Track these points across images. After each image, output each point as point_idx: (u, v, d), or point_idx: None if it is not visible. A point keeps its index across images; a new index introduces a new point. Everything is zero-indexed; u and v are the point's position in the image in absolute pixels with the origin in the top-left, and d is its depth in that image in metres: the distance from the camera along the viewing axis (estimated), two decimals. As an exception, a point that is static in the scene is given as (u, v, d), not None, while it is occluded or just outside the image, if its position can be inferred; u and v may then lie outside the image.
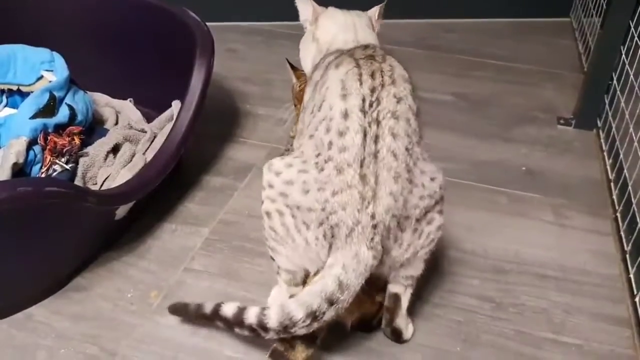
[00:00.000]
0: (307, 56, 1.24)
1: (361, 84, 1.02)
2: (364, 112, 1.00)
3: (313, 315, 0.97)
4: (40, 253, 1.20)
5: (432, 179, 1.06)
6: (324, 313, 0.97)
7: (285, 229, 1.05)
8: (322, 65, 1.12)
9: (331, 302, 0.97)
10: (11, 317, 1.21)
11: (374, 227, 0.99)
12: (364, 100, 1.01)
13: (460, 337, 1.20)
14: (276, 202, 1.05)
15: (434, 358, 1.16)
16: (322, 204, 1.00)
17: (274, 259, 1.14)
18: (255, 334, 1.01)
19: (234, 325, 1.04)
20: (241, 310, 1.03)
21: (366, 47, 1.13)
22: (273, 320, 0.98)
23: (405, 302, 1.14)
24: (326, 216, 1.00)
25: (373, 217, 0.99)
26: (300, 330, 0.99)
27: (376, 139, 1.00)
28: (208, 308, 1.08)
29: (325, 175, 1.00)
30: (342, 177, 0.99)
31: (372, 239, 0.99)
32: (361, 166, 0.99)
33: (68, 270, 1.29)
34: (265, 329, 0.99)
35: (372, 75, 1.03)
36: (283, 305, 0.99)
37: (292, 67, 1.44)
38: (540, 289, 1.31)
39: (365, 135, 0.99)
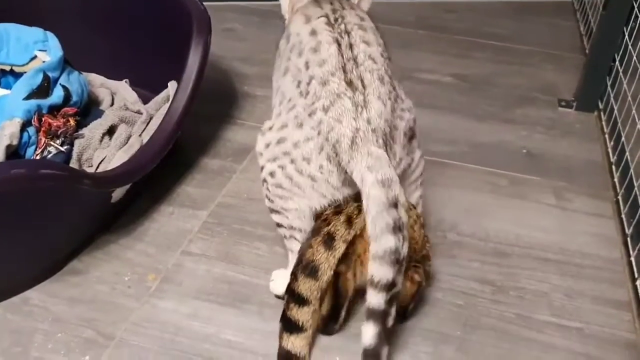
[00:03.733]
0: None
1: (321, 8, 1.05)
2: (331, 25, 1.03)
3: (397, 228, 0.95)
4: (36, 236, 1.19)
5: (409, 110, 1.09)
6: (400, 218, 0.95)
7: (289, 179, 1.05)
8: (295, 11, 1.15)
9: (394, 204, 0.95)
10: (7, 301, 1.20)
11: (374, 131, 0.99)
12: (327, 17, 1.04)
13: (460, 321, 1.19)
14: (275, 160, 1.06)
15: (434, 342, 1.15)
16: (317, 127, 1.00)
17: (282, 226, 1.13)
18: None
19: None
20: None
21: None
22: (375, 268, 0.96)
23: None
24: (325, 137, 1.00)
25: (369, 122, 0.99)
26: (405, 248, 0.96)
27: (351, 46, 1.01)
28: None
29: (312, 95, 1.00)
30: (328, 87, 0.99)
31: (377, 140, 0.99)
32: (344, 72, 0.99)
33: (64, 253, 1.28)
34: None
35: (331, 3, 1.07)
36: (377, 252, 0.95)
37: None
38: (540, 272, 1.30)
39: (339, 45, 1.01)
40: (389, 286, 0.97)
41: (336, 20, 1.03)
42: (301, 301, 1.05)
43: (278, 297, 1.20)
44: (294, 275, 1.06)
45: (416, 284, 1.12)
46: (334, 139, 0.99)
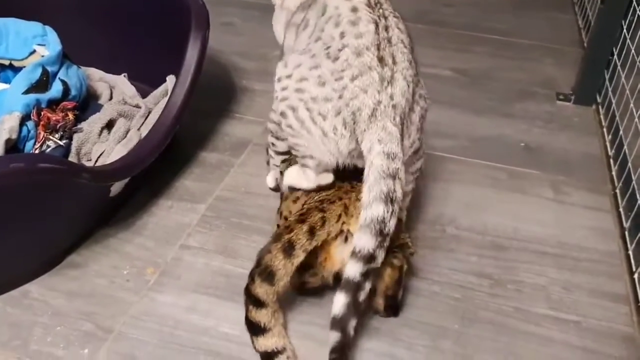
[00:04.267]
0: (278, 24, 1.29)
1: None
2: (371, 7, 1.07)
3: (390, 199, 0.99)
4: (35, 230, 1.19)
5: (425, 98, 1.13)
6: (395, 192, 1.00)
7: (301, 122, 1.07)
8: (300, 10, 1.16)
9: (393, 176, 1.00)
10: (7, 294, 1.21)
11: (394, 107, 1.04)
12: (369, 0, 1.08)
13: (458, 314, 1.20)
14: (289, 99, 1.08)
15: (432, 335, 1.16)
16: (340, 92, 1.03)
17: (276, 151, 1.22)
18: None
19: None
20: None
21: None
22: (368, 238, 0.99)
23: None
24: (345, 103, 1.03)
25: (392, 97, 1.04)
26: (392, 223, 1.00)
27: (386, 28, 1.06)
28: None
29: (342, 61, 1.04)
30: (361, 59, 1.03)
31: (394, 117, 1.04)
32: (378, 49, 1.04)
33: (63, 247, 1.28)
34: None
35: None
36: (364, 221, 0.99)
37: None
38: (538, 265, 1.30)
39: (377, 25, 1.05)
40: (369, 258, 1.00)
41: (376, 4, 1.08)
42: (258, 304, 1.05)
43: (270, 189, 1.28)
44: (251, 277, 1.06)
45: (397, 269, 1.12)
46: (356, 106, 1.03)
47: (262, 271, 1.04)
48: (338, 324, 1.02)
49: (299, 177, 1.17)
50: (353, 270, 1.00)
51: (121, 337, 1.14)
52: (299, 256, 1.05)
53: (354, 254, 1.00)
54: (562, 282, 1.27)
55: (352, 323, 1.03)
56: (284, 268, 1.04)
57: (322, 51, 1.06)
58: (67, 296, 1.21)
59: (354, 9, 1.06)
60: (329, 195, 1.12)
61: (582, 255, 1.33)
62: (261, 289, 1.04)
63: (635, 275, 1.25)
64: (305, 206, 1.11)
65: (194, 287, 1.24)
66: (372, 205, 1.00)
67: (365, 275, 1.01)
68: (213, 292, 1.23)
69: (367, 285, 1.02)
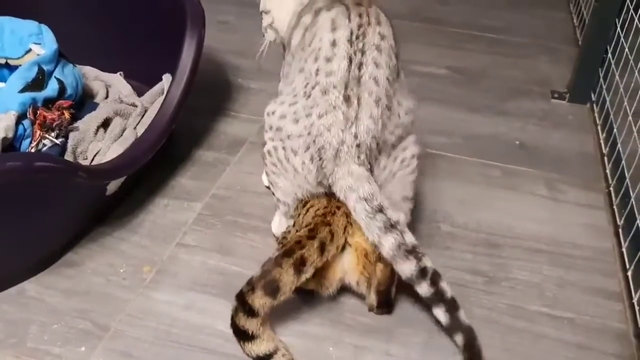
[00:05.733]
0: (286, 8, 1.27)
1: (350, 20, 1.10)
2: (350, 42, 1.09)
3: (390, 225, 1.05)
4: (31, 228, 1.19)
5: (407, 113, 1.15)
6: (389, 218, 1.05)
7: (280, 161, 1.15)
8: (310, 10, 1.17)
9: (379, 209, 1.06)
10: (3, 292, 1.21)
11: (358, 146, 1.08)
12: (351, 32, 1.09)
13: (453, 311, 1.20)
14: (274, 140, 1.14)
15: (426, 332, 1.16)
16: (309, 128, 1.08)
17: (274, 194, 1.24)
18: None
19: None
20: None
21: None
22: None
23: None
24: (312, 139, 1.09)
25: (356, 137, 1.08)
26: (408, 238, 1.07)
27: (360, 65, 1.08)
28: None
29: (312, 99, 1.08)
30: (327, 97, 1.08)
31: (358, 157, 1.08)
32: (345, 88, 1.07)
33: (59, 245, 1.29)
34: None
35: (360, 16, 1.11)
36: (389, 255, 1.05)
37: None
38: (533, 263, 1.31)
39: (350, 62, 1.08)
40: (422, 273, 1.05)
41: (357, 37, 1.09)
42: (251, 313, 1.04)
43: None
44: (251, 287, 1.04)
45: (388, 265, 1.12)
46: (320, 143, 1.09)
47: (267, 284, 1.03)
48: (452, 329, 1.08)
49: (278, 223, 1.27)
50: (423, 290, 1.07)
51: (118, 335, 1.15)
52: (309, 273, 1.05)
53: (410, 281, 1.06)
54: (556, 279, 1.28)
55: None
56: (291, 284, 1.04)
57: (301, 87, 1.11)
58: (63, 294, 1.21)
59: (334, 44, 1.09)
60: (327, 208, 1.13)
61: (576, 252, 1.34)
62: (260, 301, 1.03)
63: (629, 273, 1.26)
64: (311, 221, 1.11)
65: (190, 285, 1.24)
66: (382, 241, 1.05)
67: (432, 282, 1.06)
68: (209, 290, 1.23)
69: (443, 282, 1.07)
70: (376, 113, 1.09)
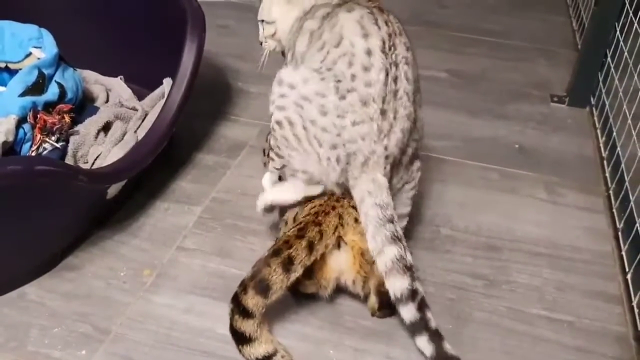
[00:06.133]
0: (288, 21, 1.24)
1: (379, 28, 1.09)
2: (385, 53, 1.08)
3: (396, 238, 1.06)
4: (32, 232, 1.19)
5: (422, 127, 1.18)
6: (397, 231, 1.06)
7: (297, 138, 1.11)
8: (315, 15, 1.16)
9: (390, 220, 1.07)
10: (4, 296, 1.21)
11: (386, 157, 1.09)
12: (383, 42, 1.08)
13: (453, 315, 1.20)
14: (287, 110, 1.10)
15: (426, 335, 1.16)
16: (339, 130, 1.07)
17: (288, 165, 1.17)
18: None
19: None
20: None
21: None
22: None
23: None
24: (342, 143, 1.08)
25: (386, 148, 1.08)
26: (409, 256, 1.07)
27: (395, 79, 1.08)
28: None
29: (348, 103, 1.07)
30: (366, 109, 1.07)
31: (385, 167, 1.09)
32: (383, 102, 1.07)
33: (60, 249, 1.29)
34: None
35: (386, 23, 1.10)
36: (385, 266, 1.06)
37: None
38: (532, 266, 1.31)
39: (387, 74, 1.07)
40: (412, 294, 1.05)
41: (390, 48, 1.09)
42: (246, 314, 1.05)
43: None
44: (243, 287, 1.05)
45: None
46: (352, 150, 1.08)
47: (258, 284, 1.04)
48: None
49: (283, 190, 1.19)
50: (408, 314, 1.06)
51: (118, 338, 1.15)
52: (298, 271, 1.06)
53: (397, 300, 1.06)
54: (555, 282, 1.28)
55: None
56: (281, 282, 1.05)
57: (331, 82, 1.07)
58: (64, 298, 1.22)
59: (369, 52, 1.07)
60: (322, 206, 1.13)
61: (576, 255, 1.34)
62: (252, 301, 1.04)
63: (629, 276, 1.26)
64: (302, 220, 1.12)
65: (190, 288, 1.24)
66: (384, 250, 1.05)
67: (420, 308, 1.06)
68: (209, 294, 1.23)
69: (429, 312, 1.07)
70: (406, 127, 1.10)
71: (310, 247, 1.07)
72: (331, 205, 1.13)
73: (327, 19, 1.14)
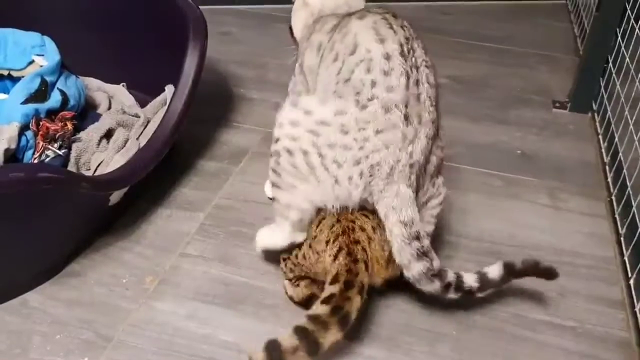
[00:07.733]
0: (299, 22, 1.26)
1: (395, 32, 1.07)
2: (404, 56, 1.05)
3: (422, 253, 1.05)
4: (34, 239, 1.20)
5: (442, 148, 1.14)
6: (422, 247, 1.05)
7: (310, 167, 1.06)
8: (321, 28, 1.15)
9: (416, 237, 1.04)
10: (6, 303, 1.21)
11: (411, 166, 1.05)
12: (401, 45, 1.06)
13: (455, 320, 1.20)
14: (300, 141, 1.06)
15: (429, 341, 1.16)
16: (361, 143, 1.03)
17: (280, 200, 1.13)
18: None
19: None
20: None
21: (377, 7, 1.16)
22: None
23: None
24: (365, 155, 1.03)
25: (411, 156, 1.04)
26: (436, 264, 1.07)
27: (417, 83, 1.05)
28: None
29: (370, 112, 1.03)
30: (389, 116, 1.03)
31: (410, 177, 1.05)
32: (406, 106, 1.03)
33: (62, 255, 1.29)
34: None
35: (402, 27, 1.09)
36: (414, 278, 1.06)
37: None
38: (535, 271, 1.31)
39: (408, 78, 1.04)
40: (446, 288, 1.08)
41: (409, 51, 1.06)
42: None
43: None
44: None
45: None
46: (376, 160, 1.04)
47: (339, 316, 1.01)
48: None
49: (273, 236, 1.16)
50: (452, 296, 1.10)
51: (120, 345, 1.15)
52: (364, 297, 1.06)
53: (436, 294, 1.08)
54: (558, 287, 1.27)
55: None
56: (357, 312, 1.04)
57: (352, 95, 1.04)
58: (66, 305, 1.22)
59: (387, 57, 1.04)
60: (345, 236, 1.09)
61: (578, 261, 1.34)
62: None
63: (631, 281, 1.26)
64: (333, 270, 1.07)
65: (193, 295, 1.24)
66: (410, 266, 1.05)
67: (457, 286, 1.09)
68: (212, 300, 1.23)
69: (465, 279, 1.11)
70: (431, 133, 1.07)
71: (361, 290, 1.05)
72: (350, 226, 1.09)
73: (337, 31, 1.12)
